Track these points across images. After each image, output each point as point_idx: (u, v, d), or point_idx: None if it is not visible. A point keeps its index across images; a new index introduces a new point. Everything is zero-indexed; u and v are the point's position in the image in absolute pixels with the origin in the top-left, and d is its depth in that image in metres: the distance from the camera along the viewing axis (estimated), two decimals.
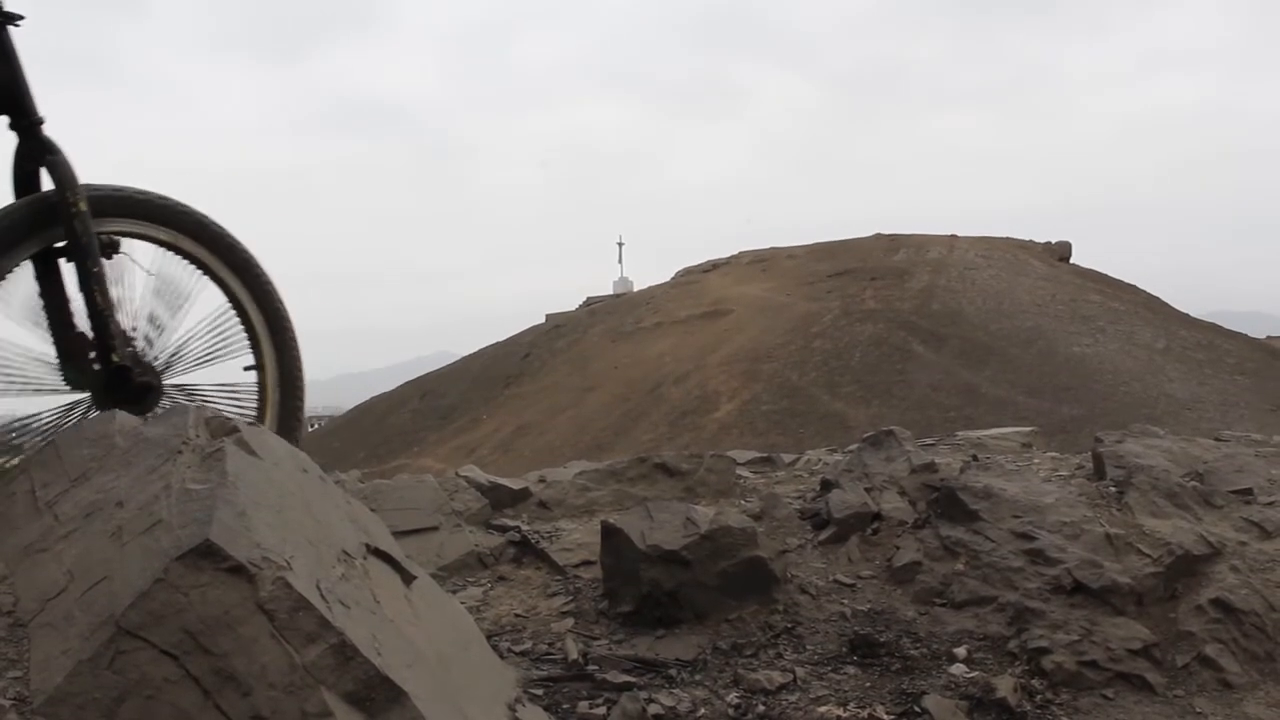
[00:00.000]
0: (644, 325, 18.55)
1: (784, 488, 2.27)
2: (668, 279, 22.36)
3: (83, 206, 1.75)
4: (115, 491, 1.15)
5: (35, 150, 1.76)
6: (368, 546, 1.18)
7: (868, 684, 1.45)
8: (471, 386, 18.24)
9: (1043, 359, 14.27)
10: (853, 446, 2.33)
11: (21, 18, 1.71)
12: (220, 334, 1.92)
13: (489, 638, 1.48)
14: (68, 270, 1.77)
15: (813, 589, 1.71)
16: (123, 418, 1.38)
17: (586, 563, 1.81)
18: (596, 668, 1.45)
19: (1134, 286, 18.18)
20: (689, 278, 21.70)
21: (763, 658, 1.52)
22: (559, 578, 1.78)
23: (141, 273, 1.84)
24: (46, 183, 1.76)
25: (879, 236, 20.84)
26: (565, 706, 1.33)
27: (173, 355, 1.86)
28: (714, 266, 22.16)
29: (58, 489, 1.25)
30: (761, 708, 1.37)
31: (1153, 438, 2.21)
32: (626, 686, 1.39)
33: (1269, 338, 16.85)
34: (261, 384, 1.96)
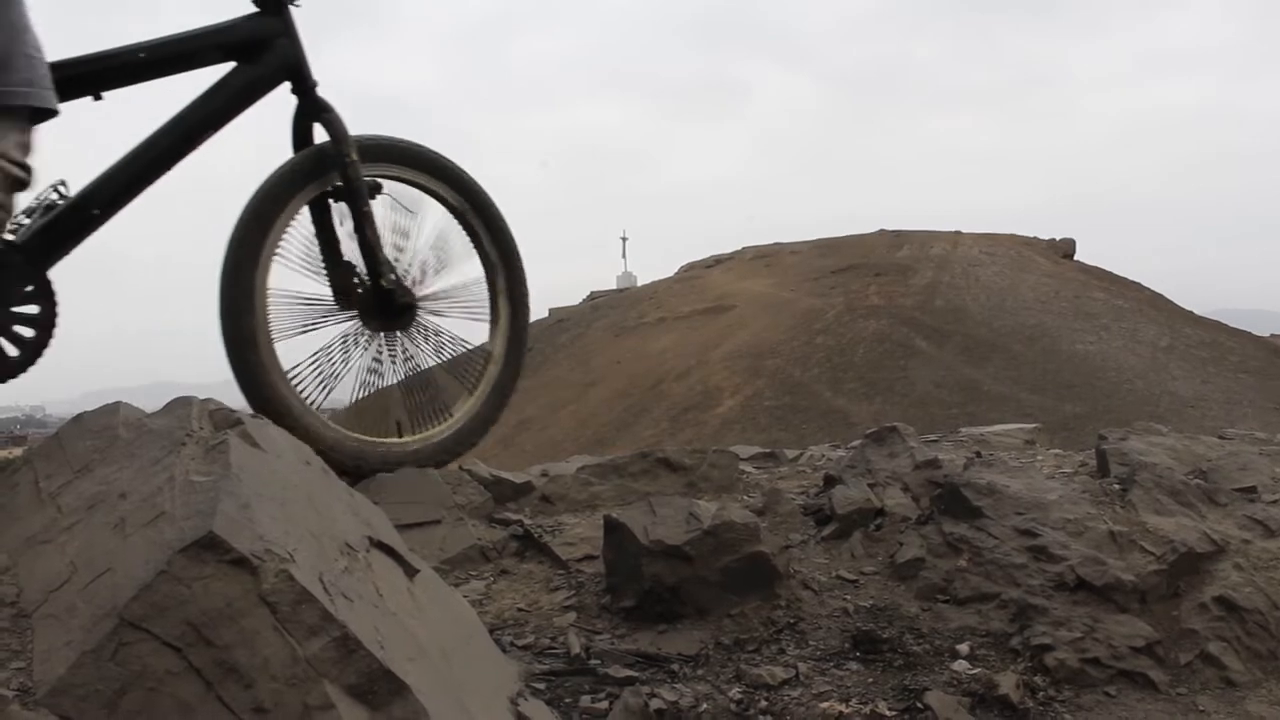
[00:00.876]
0: (647, 320, 18.54)
1: (787, 483, 2.27)
2: (671, 274, 22.35)
3: (354, 156, 2.04)
4: (118, 483, 1.15)
5: (311, 109, 2.05)
6: (370, 539, 1.18)
7: (870, 680, 1.45)
8: None
9: (1046, 356, 14.25)
10: (856, 442, 2.33)
11: (296, 1, 2.01)
12: (457, 259, 2.26)
13: (491, 631, 1.48)
14: (336, 211, 2.09)
15: (815, 585, 1.71)
16: (126, 410, 1.38)
17: (589, 557, 1.81)
18: (599, 662, 1.45)
19: (1138, 284, 18.15)
20: (692, 273, 21.68)
21: (765, 653, 1.52)
22: (561, 572, 1.78)
23: (393, 208, 2.16)
24: (317, 137, 2.07)
25: (883, 233, 20.81)
26: (567, 700, 1.33)
27: (420, 276, 2.19)
28: (717, 262, 22.14)
29: (61, 480, 1.25)
30: (764, 703, 1.37)
31: (1156, 435, 2.20)
32: (629, 681, 1.39)
33: (1273, 336, 16.81)
34: (494, 300, 2.29)
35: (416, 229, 2.21)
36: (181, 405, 1.34)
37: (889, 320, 15.94)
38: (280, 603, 0.93)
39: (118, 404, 1.40)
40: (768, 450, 2.58)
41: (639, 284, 22.95)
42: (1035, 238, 20.50)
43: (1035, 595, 1.60)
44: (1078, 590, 1.60)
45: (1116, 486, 1.87)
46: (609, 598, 1.65)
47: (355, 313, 2.11)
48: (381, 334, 2.15)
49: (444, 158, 2.23)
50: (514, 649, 1.50)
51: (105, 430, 1.32)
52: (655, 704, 1.32)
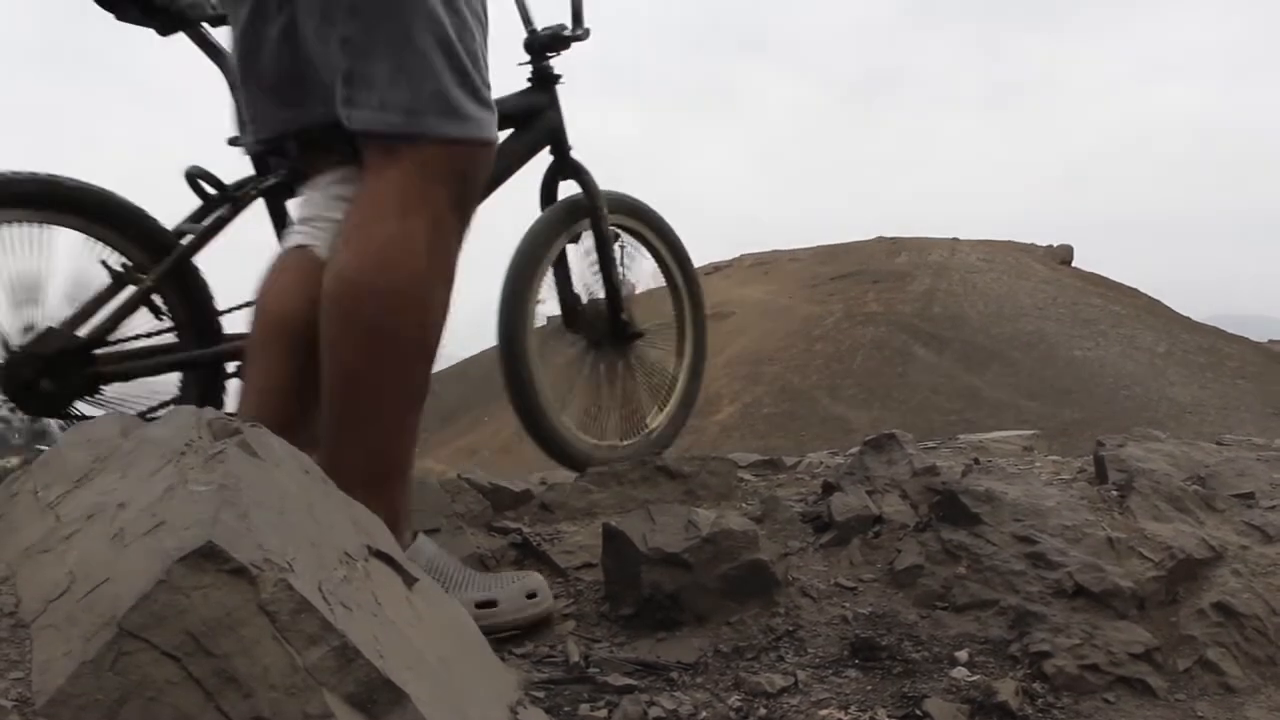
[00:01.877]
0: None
1: (785, 490, 2.27)
2: None
3: (604, 210, 2.37)
4: (118, 493, 1.15)
5: (567, 169, 2.35)
6: (369, 548, 1.18)
7: (869, 687, 1.45)
8: (473, 388, 18.23)
9: (1044, 362, 14.27)
10: (854, 449, 2.33)
11: (560, 78, 2.29)
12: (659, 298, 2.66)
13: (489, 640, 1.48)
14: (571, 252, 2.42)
15: (814, 592, 1.71)
16: (126, 420, 1.39)
17: (588, 565, 1.81)
18: (598, 670, 1.45)
19: (1136, 290, 18.17)
20: None
21: (764, 660, 1.52)
22: (560, 580, 1.78)
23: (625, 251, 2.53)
24: (561, 192, 2.39)
25: (881, 240, 20.84)
26: (566, 709, 1.33)
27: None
28: (715, 269, 22.16)
29: (60, 490, 1.25)
30: (763, 710, 1.37)
31: (1154, 441, 2.21)
32: (628, 689, 1.39)
33: (1271, 341, 16.83)
34: (681, 331, 2.68)
35: (631, 270, 2.59)
36: (180, 415, 1.34)
37: (887, 327, 15.96)
38: (279, 612, 0.93)
39: (117, 414, 1.41)
40: (766, 457, 2.58)
41: (637, 291, 22.89)
42: (1033, 244, 20.54)
43: (1034, 602, 1.60)
44: (1076, 597, 1.60)
45: (1114, 493, 1.87)
46: (608, 605, 1.65)
47: (582, 336, 2.49)
48: (603, 354, 2.51)
49: (654, 210, 2.61)
50: (513, 657, 1.50)
51: (104, 440, 1.32)
52: (654, 712, 1.32)
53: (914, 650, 1.56)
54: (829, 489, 2.07)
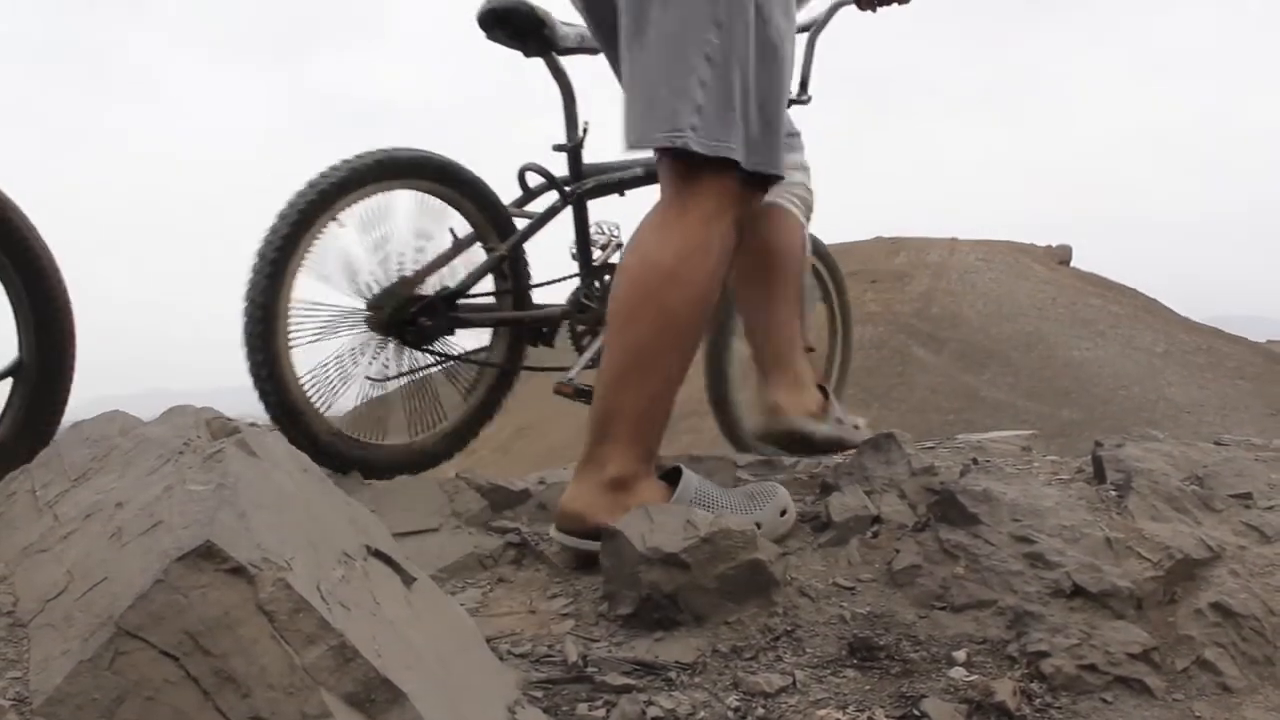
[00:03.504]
0: None
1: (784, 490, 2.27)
2: None
3: (820, 250, 2.94)
4: (116, 492, 1.15)
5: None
6: (368, 548, 1.19)
7: (867, 687, 1.45)
8: None
9: (1043, 362, 14.27)
10: (852, 449, 2.33)
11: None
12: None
13: (488, 639, 1.48)
14: None
15: (812, 592, 1.71)
16: (123, 418, 1.39)
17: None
18: (596, 670, 1.45)
19: (1134, 290, 18.17)
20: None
21: (762, 660, 1.52)
22: (559, 580, 1.78)
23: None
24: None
25: (879, 239, 20.84)
26: (565, 709, 1.33)
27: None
28: None
29: (58, 489, 1.25)
30: (761, 710, 1.37)
31: (1152, 441, 2.20)
32: (626, 689, 1.39)
33: (1270, 342, 16.84)
34: (833, 341, 3.07)
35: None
36: (179, 414, 1.34)
37: (885, 327, 15.96)
38: (278, 611, 0.93)
39: (115, 413, 1.41)
40: (764, 457, 2.58)
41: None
42: (1032, 244, 20.54)
43: (1032, 602, 1.61)
44: (1074, 597, 1.60)
45: (1113, 493, 1.87)
46: (606, 605, 1.65)
47: None
48: None
49: (825, 246, 2.94)
50: (511, 657, 1.50)
51: (103, 439, 1.32)
52: (652, 712, 1.32)
53: (912, 650, 1.56)
54: (827, 489, 2.07)
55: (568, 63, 2.39)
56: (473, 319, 2.33)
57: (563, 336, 2.49)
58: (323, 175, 2.09)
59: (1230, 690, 1.50)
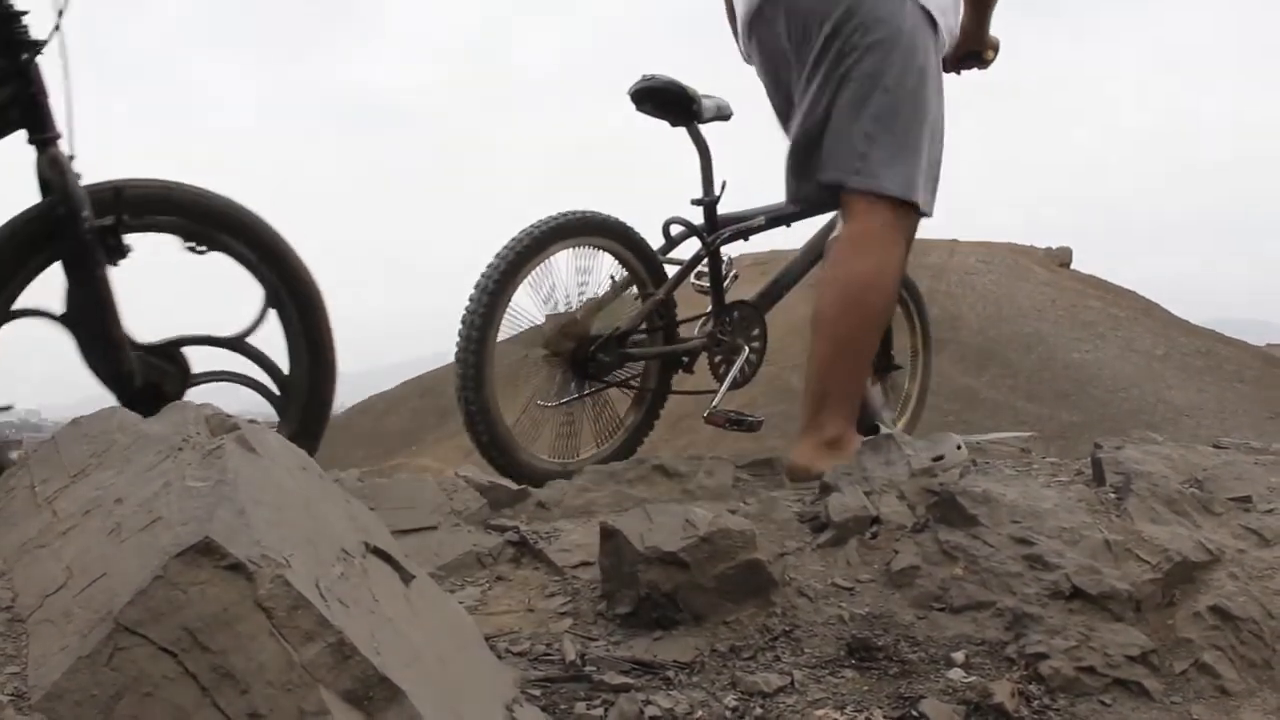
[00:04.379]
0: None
1: (783, 491, 2.27)
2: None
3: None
4: (115, 488, 1.15)
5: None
6: (367, 545, 1.18)
7: (865, 688, 1.45)
8: None
9: (1042, 364, 14.26)
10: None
11: None
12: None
13: (487, 638, 1.48)
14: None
15: (811, 592, 1.71)
16: (122, 415, 1.39)
17: (585, 563, 1.81)
18: (594, 669, 1.45)
19: (1134, 293, 18.16)
20: (689, 280, 21.63)
21: (760, 660, 1.52)
22: (557, 578, 1.78)
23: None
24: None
25: None
26: (563, 707, 1.33)
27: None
28: None
29: (57, 485, 1.25)
30: (759, 710, 1.37)
31: (1152, 444, 2.20)
32: (624, 688, 1.39)
33: (1269, 345, 16.83)
34: (915, 361, 3.38)
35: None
36: (178, 410, 1.34)
37: None
38: (276, 608, 0.93)
39: (114, 409, 1.41)
40: (764, 457, 2.58)
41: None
42: (1032, 246, 20.52)
43: (1030, 604, 1.60)
44: (1073, 599, 1.60)
45: (1112, 495, 1.87)
46: (604, 604, 1.65)
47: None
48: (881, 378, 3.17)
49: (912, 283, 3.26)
50: (509, 655, 1.49)
51: (102, 435, 1.32)
52: (650, 711, 1.32)
53: (910, 651, 1.56)
54: (826, 489, 2.06)
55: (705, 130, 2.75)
56: (637, 354, 2.68)
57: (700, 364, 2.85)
58: (508, 247, 2.42)
59: (1228, 693, 1.50)
